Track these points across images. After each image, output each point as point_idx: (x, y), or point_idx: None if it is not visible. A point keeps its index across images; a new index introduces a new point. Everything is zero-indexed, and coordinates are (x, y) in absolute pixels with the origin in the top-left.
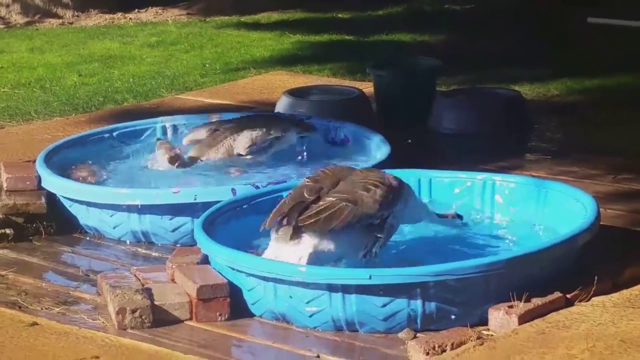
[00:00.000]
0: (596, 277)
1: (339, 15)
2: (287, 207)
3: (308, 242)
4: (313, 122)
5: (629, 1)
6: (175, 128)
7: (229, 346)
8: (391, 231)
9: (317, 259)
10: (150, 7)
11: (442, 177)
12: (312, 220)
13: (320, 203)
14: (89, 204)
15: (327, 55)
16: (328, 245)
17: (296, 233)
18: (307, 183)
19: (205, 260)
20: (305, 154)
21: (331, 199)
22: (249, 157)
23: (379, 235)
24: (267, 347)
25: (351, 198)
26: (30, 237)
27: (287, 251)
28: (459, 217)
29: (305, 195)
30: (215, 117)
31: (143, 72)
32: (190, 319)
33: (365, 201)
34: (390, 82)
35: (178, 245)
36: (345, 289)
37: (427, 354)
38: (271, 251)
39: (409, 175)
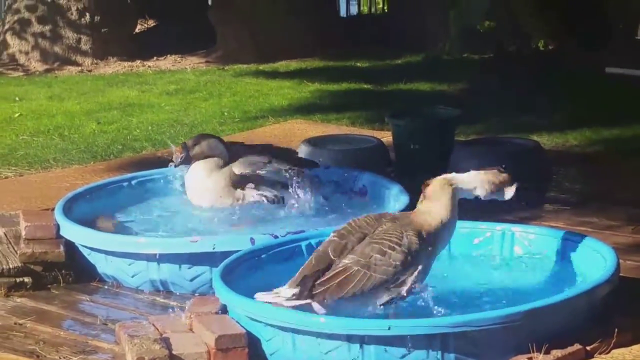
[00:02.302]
0: (616, 329)
1: (357, 64)
2: (308, 272)
3: (318, 308)
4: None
5: None
6: None
7: None
8: (413, 286)
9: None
10: (168, 55)
11: (461, 228)
12: (323, 287)
13: (336, 267)
14: (107, 253)
15: (345, 104)
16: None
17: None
18: (333, 238)
19: (223, 309)
20: (321, 203)
21: (346, 261)
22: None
23: (397, 295)
24: None
25: (367, 264)
26: (49, 286)
27: None
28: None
29: (331, 255)
30: None
31: (161, 120)
32: None
33: (378, 265)
34: (408, 131)
35: (196, 294)
36: (364, 340)
37: None
38: None
39: None
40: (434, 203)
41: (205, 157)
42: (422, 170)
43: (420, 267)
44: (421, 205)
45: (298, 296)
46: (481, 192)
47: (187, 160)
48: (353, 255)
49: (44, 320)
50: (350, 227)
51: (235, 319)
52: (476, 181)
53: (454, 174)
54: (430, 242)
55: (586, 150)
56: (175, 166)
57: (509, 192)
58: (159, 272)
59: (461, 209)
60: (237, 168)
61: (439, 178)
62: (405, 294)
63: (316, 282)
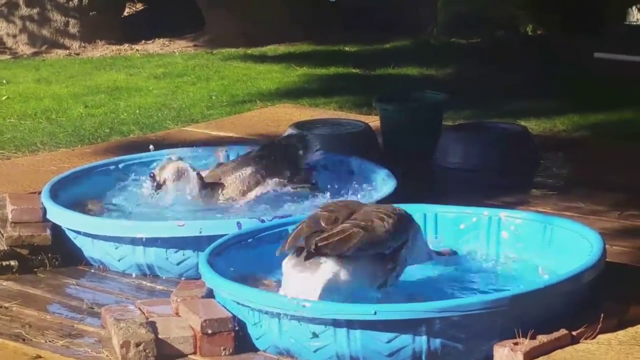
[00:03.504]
0: (602, 315)
1: (346, 48)
2: (305, 233)
3: (324, 270)
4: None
5: (634, 34)
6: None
7: None
8: (404, 264)
9: (332, 288)
10: (157, 39)
11: (447, 212)
12: (326, 242)
13: (335, 228)
14: (93, 237)
15: (333, 88)
16: (343, 273)
17: (312, 257)
18: (322, 213)
19: (210, 294)
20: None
21: (345, 225)
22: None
23: (392, 266)
24: None
25: (364, 225)
26: (35, 269)
27: (303, 278)
28: (454, 253)
29: (322, 224)
30: (221, 151)
31: (149, 103)
32: (195, 353)
33: (377, 229)
34: (396, 116)
35: (183, 278)
36: (350, 324)
37: None
38: (287, 278)
39: (414, 210)
40: None
41: (177, 178)
42: (409, 155)
43: (410, 239)
44: None
45: (308, 255)
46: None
47: (159, 188)
48: (351, 221)
49: (30, 304)
50: (337, 205)
51: (222, 303)
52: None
53: None
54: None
55: (573, 135)
56: (152, 199)
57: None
58: (145, 256)
59: (447, 193)
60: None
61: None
62: (395, 276)
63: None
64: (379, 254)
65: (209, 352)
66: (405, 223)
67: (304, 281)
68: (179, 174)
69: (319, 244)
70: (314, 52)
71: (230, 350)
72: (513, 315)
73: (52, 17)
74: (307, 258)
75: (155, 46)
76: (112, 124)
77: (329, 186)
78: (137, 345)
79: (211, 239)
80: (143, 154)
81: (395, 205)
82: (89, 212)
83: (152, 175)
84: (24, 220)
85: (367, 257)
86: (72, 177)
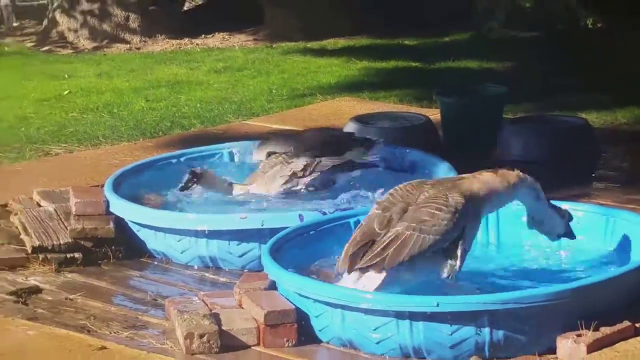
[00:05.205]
0: None
1: (405, 42)
2: (352, 250)
3: (376, 279)
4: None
5: None
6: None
7: None
8: (465, 252)
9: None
10: (217, 33)
11: (510, 205)
12: (379, 259)
13: (386, 236)
14: (156, 229)
15: (393, 81)
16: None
17: (363, 273)
18: (376, 211)
19: (272, 286)
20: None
21: (398, 228)
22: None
23: (453, 258)
24: None
25: (416, 226)
26: (99, 262)
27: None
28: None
29: (376, 229)
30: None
31: (210, 97)
32: (258, 344)
33: (431, 227)
34: (456, 109)
35: (245, 270)
36: (413, 316)
37: None
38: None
39: None
40: (492, 176)
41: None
42: (470, 148)
43: (467, 228)
44: (478, 174)
45: (344, 270)
46: (537, 213)
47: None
48: (404, 222)
49: (95, 296)
50: (393, 197)
51: (284, 295)
52: (543, 204)
53: (533, 180)
54: (475, 204)
55: (635, 128)
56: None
57: (552, 236)
58: (207, 248)
59: None
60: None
61: (516, 171)
62: (459, 265)
63: (364, 256)
64: (438, 250)
65: (272, 343)
66: (460, 210)
67: (365, 281)
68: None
69: (370, 263)
70: (373, 46)
71: (294, 342)
72: (576, 307)
73: (113, 11)
74: (359, 279)
75: (215, 40)
76: (173, 117)
77: (391, 182)
78: (201, 336)
79: (273, 231)
80: (204, 147)
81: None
82: (151, 205)
83: (191, 172)
84: (87, 213)
85: (425, 256)
86: (134, 170)
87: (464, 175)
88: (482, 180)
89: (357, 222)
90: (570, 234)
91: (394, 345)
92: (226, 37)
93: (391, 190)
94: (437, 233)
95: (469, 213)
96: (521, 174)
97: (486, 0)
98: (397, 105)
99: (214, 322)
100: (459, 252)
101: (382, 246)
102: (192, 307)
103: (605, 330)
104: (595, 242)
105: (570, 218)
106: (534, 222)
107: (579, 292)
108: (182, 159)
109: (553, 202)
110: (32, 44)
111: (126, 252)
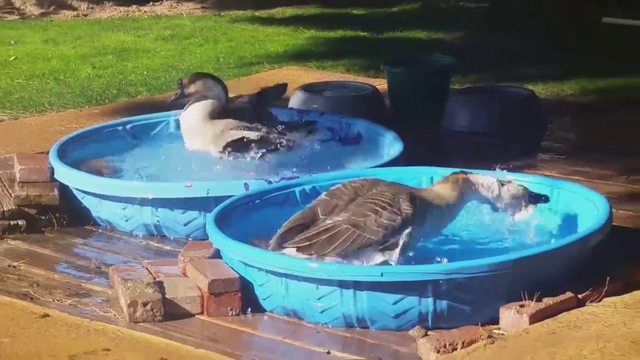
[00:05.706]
0: (608, 278)
1: (354, 11)
2: (286, 229)
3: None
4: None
5: None
6: None
7: (240, 341)
8: (406, 249)
9: None
10: (164, 0)
11: None
12: (307, 243)
13: (324, 223)
14: (101, 197)
15: (341, 51)
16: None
17: (295, 253)
18: (324, 197)
19: (217, 254)
20: (315, 149)
21: (337, 219)
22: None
23: (388, 257)
24: (277, 343)
25: (355, 221)
26: (43, 229)
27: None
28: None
29: (319, 213)
30: None
31: (157, 65)
32: (202, 313)
33: (368, 226)
34: (404, 79)
35: (190, 239)
36: (357, 286)
37: (438, 352)
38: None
39: (421, 173)
40: (442, 185)
41: (201, 96)
42: (417, 118)
43: (409, 231)
44: (431, 186)
45: (274, 247)
46: (497, 201)
47: (182, 98)
48: (345, 214)
49: (38, 263)
50: (344, 187)
51: (229, 263)
52: (495, 190)
53: (477, 177)
54: (423, 212)
55: (581, 100)
56: (169, 103)
57: (522, 215)
58: (152, 216)
59: (454, 157)
60: (231, 132)
61: (461, 175)
62: (394, 261)
63: (299, 235)
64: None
65: (216, 312)
66: (404, 216)
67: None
68: (207, 88)
69: (300, 244)
70: (321, 15)
71: (237, 311)
72: (519, 278)
73: None
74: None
75: (163, 8)
76: (119, 85)
77: (337, 151)
78: (145, 304)
79: (219, 199)
80: (150, 115)
81: (401, 169)
82: (96, 173)
83: (180, 82)
84: (31, 180)
85: (355, 251)
86: (79, 137)
87: (421, 189)
88: (434, 189)
89: (302, 191)
90: (538, 200)
91: (338, 314)
92: (174, 4)
93: (346, 182)
94: (375, 234)
95: (414, 218)
96: (470, 178)
97: None
98: (344, 75)
99: (158, 291)
100: (396, 253)
101: (315, 232)
102: (135, 275)
103: (548, 300)
104: (539, 214)
105: (527, 191)
106: (497, 209)
107: (521, 263)
108: (127, 127)
109: (500, 173)
110: None
111: (70, 220)
